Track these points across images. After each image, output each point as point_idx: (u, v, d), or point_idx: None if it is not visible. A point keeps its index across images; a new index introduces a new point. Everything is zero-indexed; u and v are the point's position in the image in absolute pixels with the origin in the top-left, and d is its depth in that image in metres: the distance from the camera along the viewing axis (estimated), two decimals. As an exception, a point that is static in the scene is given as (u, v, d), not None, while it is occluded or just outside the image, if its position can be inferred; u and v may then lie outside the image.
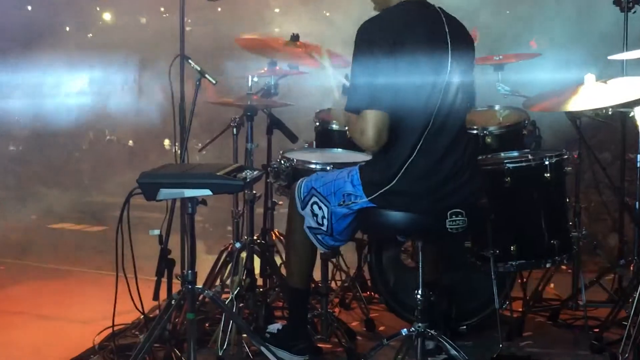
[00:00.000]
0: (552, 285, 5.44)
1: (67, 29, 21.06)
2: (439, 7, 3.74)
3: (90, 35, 21.84)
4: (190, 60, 4.67)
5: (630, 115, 4.80)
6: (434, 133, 3.59)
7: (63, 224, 9.40)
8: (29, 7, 18.77)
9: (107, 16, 22.06)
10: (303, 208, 3.91)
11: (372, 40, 3.57)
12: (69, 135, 14.03)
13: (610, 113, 4.88)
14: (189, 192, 3.68)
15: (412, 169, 3.58)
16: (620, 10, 5.06)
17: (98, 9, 21.91)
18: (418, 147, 3.58)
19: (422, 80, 3.57)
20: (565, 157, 4.58)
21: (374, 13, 3.78)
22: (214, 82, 4.64)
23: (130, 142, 14.43)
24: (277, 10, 15.22)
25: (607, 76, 4.58)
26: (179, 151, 4.65)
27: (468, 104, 3.87)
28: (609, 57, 4.97)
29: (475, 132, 4.61)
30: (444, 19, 3.70)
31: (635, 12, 5.06)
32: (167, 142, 12.48)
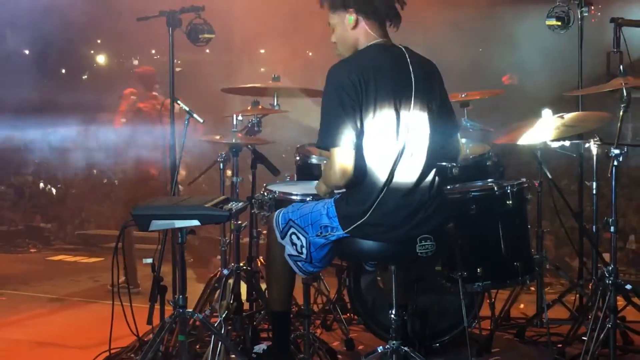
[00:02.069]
0: (522, 305, 5.53)
1: (63, 71, 21.15)
2: (405, 47, 3.77)
3: (85, 77, 21.93)
4: (179, 101, 4.77)
5: (586, 146, 4.93)
6: (402, 168, 3.63)
7: (61, 256, 9.45)
8: (26, 52, 18.84)
9: (100, 59, 22.15)
10: (283, 238, 3.90)
11: (339, 82, 3.59)
12: (66, 171, 14.04)
13: (567, 144, 5.01)
14: (179, 223, 3.73)
15: (383, 203, 3.62)
16: (561, 26, 5.06)
17: (92, 51, 21.99)
18: (388, 182, 3.62)
19: (387, 118, 3.60)
20: (526, 185, 4.63)
21: (342, 49, 3.83)
22: (201, 121, 4.72)
23: (122, 177, 14.44)
24: (262, 50, 15.34)
25: (564, 111, 4.68)
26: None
27: (447, 136, 3.88)
28: (564, 94, 5.06)
29: (443, 164, 4.54)
30: (408, 58, 3.71)
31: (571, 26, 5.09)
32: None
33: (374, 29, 3.75)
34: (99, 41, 21.45)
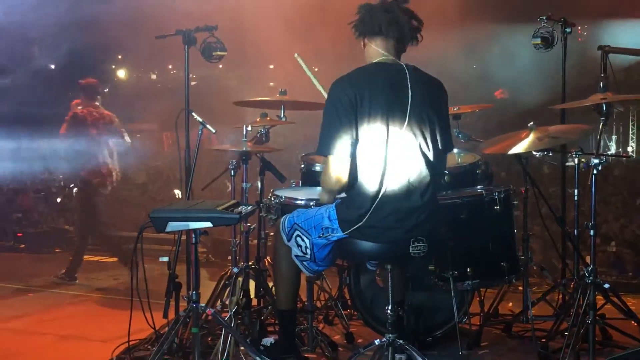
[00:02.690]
0: (510, 304, 5.53)
1: (86, 84, 21.16)
2: (406, 64, 3.80)
3: (107, 90, 21.95)
4: (193, 113, 4.79)
5: (568, 156, 4.96)
6: (396, 176, 3.67)
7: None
8: (52, 66, 18.90)
9: (121, 73, 22.18)
10: (289, 240, 3.95)
11: (337, 96, 3.67)
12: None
13: (551, 154, 5.05)
14: (193, 225, 3.78)
15: (379, 208, 3.67)
16: (545, 46, 5.07)
17: (113, 66, 22.04)
18: (383, 189, 3.66)
19: (380, 128, 3.64)
20: (512, 192, 4.67)
21: (354, 66, 3.86)
22: (213, 131, 4.74)
23: (141, 183, 14.45)
24: (271, 66, 15.38)
25: (549, 123, 4.72)
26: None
27: (440, 147, 3.86)
28: (549, 107, 5.08)
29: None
30: (407, 74, 3.74)
31: (554, 46, 5.09)
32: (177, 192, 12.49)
33: (379, 47, 3.82)
34: (119, 57, 21.51)
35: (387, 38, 3.81)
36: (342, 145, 3.64)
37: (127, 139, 7.84)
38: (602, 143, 4.26)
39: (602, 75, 4.42)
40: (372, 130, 3.65)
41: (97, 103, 7.72)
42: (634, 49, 5.54)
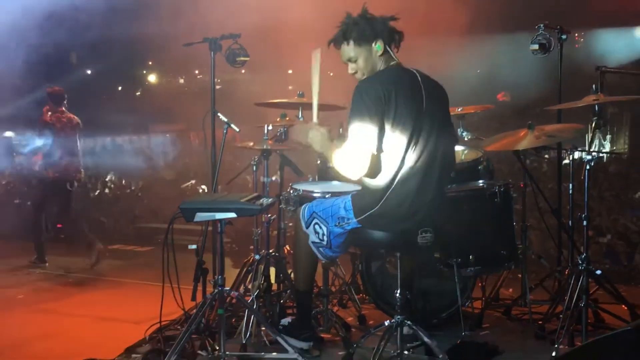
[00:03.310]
0: (510, 289, 5.53)
1: (120, 88, 21.31)
2: (416, 70, 3.84)
3: (139, 93, 22.06)
4: (219, 114, 4.83)
5: (563, 154, 4.99)
6: (409, 169, 3.69)
7: (118, 245, 9.59)
8: (89, 72, 19.02)
9: (151, 78, 22.29)
10: (307, 227, 3.98)
11: (367, 93, 3.63)
12: (123, 174, 14.13)
13: (548, 152, 5.06)
14: (219, 215, 3.82)
15: (390, 198, 3.70)
16: (542, 51, 5.06)
17: (144, 71, 22.14)
18: (396, 179, 3.68)
19: (402, 126, 3.65)
20: (511, 186, 4.66)
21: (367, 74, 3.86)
22: (237, 130, 4.78)
23: (171, 179, 14.49)
24: (290, 71, 15.41)
25: (546, 123, 4.73)
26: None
27: (449, 144, 3.91)
28: (545, 108, 5.06)
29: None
30: (419, 78, 3.78)
31: (551, 51, 5.08)
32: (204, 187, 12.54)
33: (392, 53, 3.85)
34: (150, 62, 21.61)
35: (394, 45, 3.86)
36: (369, 138, 3.60)
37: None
38: (597, 142, 4.24)
39: (598, 92, 4.36)
40: (395, 126, 3.65)
41: (63, 108, 7.99)
42: (629, 71, 5.53)
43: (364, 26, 3.80)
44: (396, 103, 3.64)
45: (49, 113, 7.90)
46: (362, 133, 3.60)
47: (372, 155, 3.61)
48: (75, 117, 8.05)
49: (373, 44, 3.80)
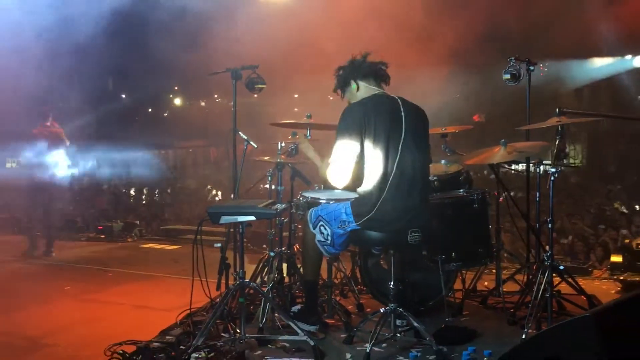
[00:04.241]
0: (486, 282, 5.53)
1: (150, 110, 21.39)
2: (399, 97, 3.92)
3: (166, 114, 22.15)
4: (240, 132, 4.89)
5: (531, 166, 5.02)
6: (397, 179, 3.76)
7: (150, 244, 9.64)
8: (123, 95, 19.11)
9: (177, 101, 22.40)
10: (314, 228, 4.02)
11: (350, 117, 3.78)
12: (153, 183, 14.17)
13: (519, 165, 5.09)
14: (241, 218, 3.88)
15: (383, 205, 3.76)
16: (513, 81, 5.00)
17: (171, 96, 22.21)
18: (386, 189, 3.75)
19: (384, 142, 3.75)
20: (487, 194, 4.69)
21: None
22: (255, 146, 4.84)
23: (194, 188, 14.56)
24: (295, 95, 15.50)
25: (516, 140, 4.70)
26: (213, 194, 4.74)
27: (426, 161, 3.98)
28: (517, 128, 5.04)
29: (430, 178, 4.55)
30: (400, 104, 3.87)
31: (521, 80, 5.04)
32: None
33: (370, 84, 3.96)
34: (175, 88, 21.74)
35: (376, 78, 3.98)
36: (349, 155, 3.74)
37: (68, 143, 8.52)
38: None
39: (559, 138, 4.25)
40: (376, 144, 3.75)
41: (47, 123, 8.31)
42: (585, 112, 5.43)
43: (341, 75, 4.03)
44: (375, 124, 3.75)
45: (38, 127, 8.28)
46: (343, 149, 3.75)
47: (352, 167, 3.73)
48: (59, 130, 8.41)
49: (349, 86, 3.99)
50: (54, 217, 8.74)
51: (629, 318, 3.10)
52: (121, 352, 3.58)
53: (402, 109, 3.86)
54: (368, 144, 3.75)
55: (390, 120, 3.80)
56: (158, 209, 12.38)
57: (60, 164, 8.31)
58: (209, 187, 13.60)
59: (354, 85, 3.98)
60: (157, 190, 13.58)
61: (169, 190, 13.64)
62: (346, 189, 3.95)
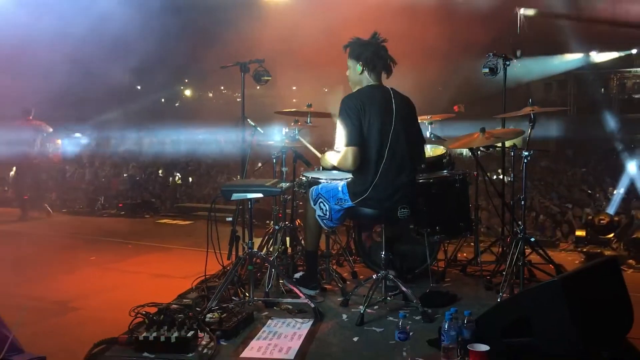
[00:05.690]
0: (464, 254, 5.55)
1: (162, 100, 21.30)
2: (391, 88, 3.92)
3: (177, 104, 22.08)
4: (248, 119, 4.89)
5: (507, 149, 5.05)
6: (388, 163, 3.77)
7: (165, 220, 9.68)
8: (138, 87, 19.01)
9: (187, 92, 22.31)
10: (314, 204, 4.04)
11: (348, 106, 3.76)
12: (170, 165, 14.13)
13: (496, 149, 5.12)
14: (250, 195, 3.91)
15: (376, 185, 3.77)
16: (491, 74, 4.98)
17: (182, 87, 22.11)
18: (379, 171, 3.77)
19: (377, 130, 3.75)
20: (467, 175, 4.73)
21: (351, 81, 3.99)
22: (262, 131, 4.87)
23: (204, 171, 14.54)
24: (294, 88, 15.47)
25: (493, 127, 4.78)
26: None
27: (417, 143, 3.99)
28: (494, 116, 5.07)
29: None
30: (392, 94, 3.87)
31: (498, 74, 4.98)
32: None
33: (371, 76, 3.92)
34: (186, 80, 21.67)
35: (376, 69, 3.92)
36: (354, 139, 3.72)
37: (50, 129, 9.40)
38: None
39: (531, 125, 4.26)
40: (371, 130, 3.75)
41: (30, 117, 9.14)
42: (554, 108, 5.33)
43: (355, 47, 3.93)
44: (370, 113, 3.74)
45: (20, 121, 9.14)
46: (347, 135, 3.73)
47: (354, 150, 3.71)
48: (39, 123, 9.22)
49: (358, 64, 3.90)
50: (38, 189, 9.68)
51: (591, 282, 3.19)
52: (144, 312, 3.61)
53: (393, 100, 3.86)
54: (364, 130, 3.76)
55: (383, 109, 3.81)
56: (172, 189, 12.41)
57: (41, 146, 9.30)
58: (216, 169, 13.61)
59: (359, 67, 3.91)
60: (173, 172, 13.60)
61: (180, 174, 13.63)
62: (347, 169, 3.93)
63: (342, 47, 3.98)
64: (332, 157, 3.93)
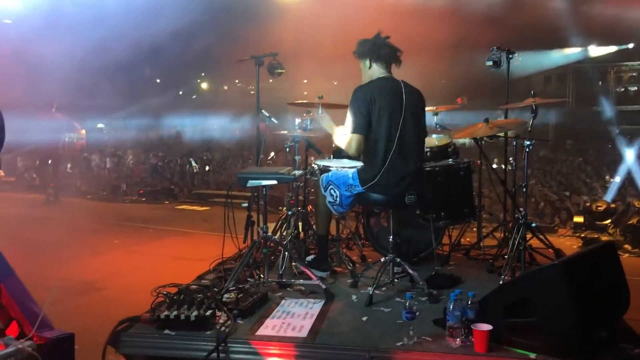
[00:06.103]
0: (468, 239, 5.53)
1: (180, 92, 21.32)
2: (401, 80, 3.91)
3: (194, 97, 22.10)
4: (263, 110, 4.90)
5: (509, 139, 5.02)
6: (397, 151, 3.76)
7: (183, 206, 9.73)
8: (158, 80, 19.01)
9: (204, 85, 22.30)
10: (325, 191, 4.04)
11: (359, 97, 3.77)
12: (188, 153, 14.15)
13: (499, 139, 5.08)
14: (265, 182, 3.90)
15: (386, 171, 3.77)
16: (495, 67, 4.94)
17: (198, 80, 22.10)
18: (388, 158, 3.76)
19: (387, 119, 3.75)
20: (471, 163, 4.72)
21: (364, 81, 3.98)
22: (276, 122, 4.87)
23: (219, 159, 14.55)
24: (305, 81, 15.42)
25: (497, 117, 4.79)
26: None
27: (422, 134, 3.97)
28: (497, 107, 5.09)
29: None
30: (402, 86, 3.86)
31: (502, 67, 4.94)
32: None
33: (381, 68, 3.91)
34: (202, 74, 21.66)
35: (386, 61, 3.92)
36: (361, 128, 3.74)
37: (73, 122, 9.83)
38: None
39: (533, 116, 4.20)
40: (381, 120, 3.75)
41: (53, 109, 9.43)
42: (555, 99, 5.28)
43: (360, 47, 3.96)
44: (380, 103, 3.74)
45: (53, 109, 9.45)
46: (353, 123, 3.75)
47: (359, 138, 3.73)
48: (62, 115, 9.56)
49: (366, 61, 3.93)
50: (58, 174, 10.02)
51: (590, 266, 3.17)
52: (165, 292, 3.64)
53: (403, 91, 3.85)
54: (374, 120, 3.76)
55: (393, 100, 3.80)
56: (189, 177, 12.45)
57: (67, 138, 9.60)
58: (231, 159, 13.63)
59: (367, 63, 3.94)
60: (190, 160, 13.64)
61: (198, 162, 13.66)
62: (353, 157, 3.93)
63: (352, 43, 3.99)
64: (341, 137, 3.93)
